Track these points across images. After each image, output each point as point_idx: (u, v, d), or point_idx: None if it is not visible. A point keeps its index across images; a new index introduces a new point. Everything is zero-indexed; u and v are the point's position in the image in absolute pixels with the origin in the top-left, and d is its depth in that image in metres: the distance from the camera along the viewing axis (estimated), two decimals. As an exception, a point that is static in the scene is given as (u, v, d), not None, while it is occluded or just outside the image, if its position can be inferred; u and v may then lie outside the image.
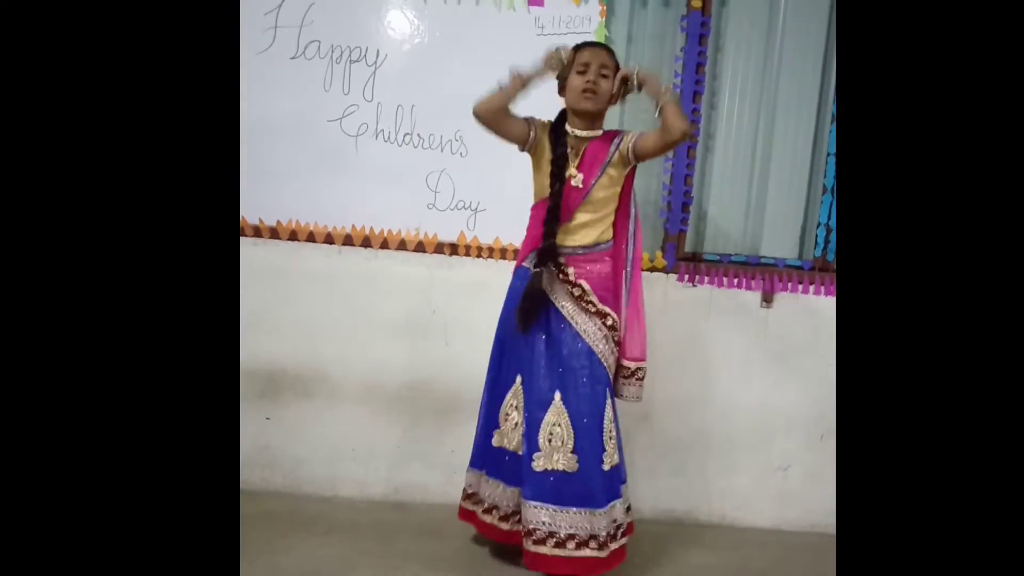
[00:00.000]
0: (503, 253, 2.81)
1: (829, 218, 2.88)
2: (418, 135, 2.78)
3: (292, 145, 2.76)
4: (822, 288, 2.87)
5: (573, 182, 2.21)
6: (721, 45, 2.87)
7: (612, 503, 2.22)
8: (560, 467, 2.17)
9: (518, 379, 2.26)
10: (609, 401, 2.24)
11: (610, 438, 2.23)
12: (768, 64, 2.87)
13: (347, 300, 2.83)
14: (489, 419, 2.34)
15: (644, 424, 2.88)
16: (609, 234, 2.29)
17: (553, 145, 2.22)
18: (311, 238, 2.81)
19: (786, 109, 2.89)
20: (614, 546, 2.21)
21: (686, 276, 2.85)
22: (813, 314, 2.87)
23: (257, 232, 2.79)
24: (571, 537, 2.15)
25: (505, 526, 2.29)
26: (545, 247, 2.19)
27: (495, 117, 2.19)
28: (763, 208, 2.94)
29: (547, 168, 2.22)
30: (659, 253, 2.85)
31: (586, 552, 2.16)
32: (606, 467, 2.20)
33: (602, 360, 2.23)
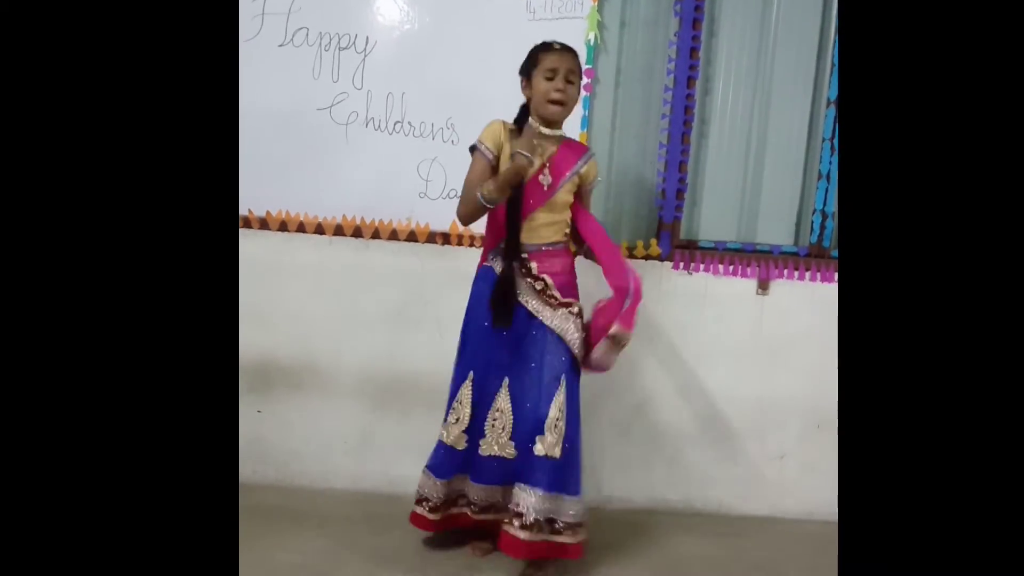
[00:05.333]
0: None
1: (824, 204, 2.86)
2: (409, 123, 2.74)
3: (281, 134, 2.72)
4: (818, 275, 2.86)
5: (541, 179, 2.22)
6: (715, 30, 2.84)
7: (541, 489, 2.15)
8: (504, 453, 2.23)
9: (470, 375, 2.28)
10: (563, 391, 2.19)
11: (552, 429, 2.16)
12: (763, 49, 2.85)
13: (338, 291, 2.81)
14: (445, 415, 2.35)
15: (641, 413, 2.87)
16: (563, 235, 2.33)
17: (515, 138, 2.20)
18: (301, 228, 2.77)
19: (781, 95, 2.87)
20: (556, 538, 2.17)
21: (681, 264, 2.83)
22: (809, 301, 2.85)
23: (247, 223, 2.76)
24: (492, 506, 2.30)
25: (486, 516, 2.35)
26: (510, 243, 2.21)
27: (479, 215, 2.25)
28: (758, 195, 2.92)
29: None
30: (654, 241, 2.83)
31: (508, 528, 2.18)
32: (537, 452, 2.15)
33: (571, 347, 2.22)
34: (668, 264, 2.83)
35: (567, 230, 2.33)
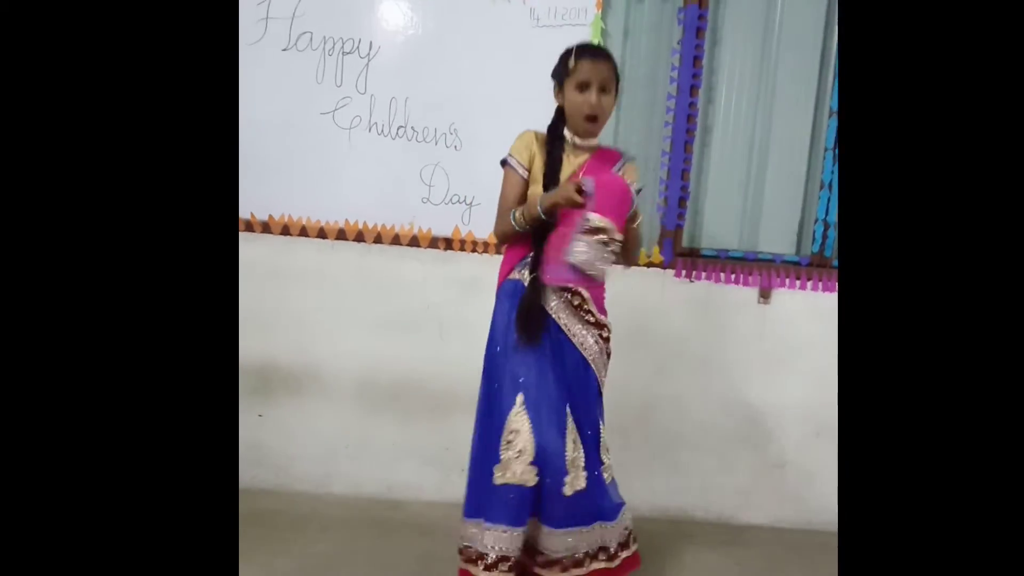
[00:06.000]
0: (498, 248, 2.77)
1: (827, 214, 2.86)
2: (412, 128, 2.75)
3: (284, 138, 2.73)
4: (819, 284, 2.85)
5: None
6: (718, 38, 2.84)
7: (622, 511, 2.12)
8: (580, 486, 1.96)
9: (520, 398, 1.96)
10: (601, 413, 2.12)
11: (606, 451, 2.10)
12: (765, 58, 2.85)
13: (340, 295, 2.81)
14: (488, 454, 1.99)
15: (641, 421, 2.87)
16: None
17: (549, 149, 2.04)
18: (304, 233, 2.78)
19: (783, 103, 2.87)
20: (625, 554, 2.11)
21: (683, 272, 2.83)
22: (810, 310, 2.85)
23: (249, 227, 2.76)
24: (587, 555, 2.03)
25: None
26: (536, 256, 2.02)
27: (516, 237, 2.07)
28: (760, 203, 2.92)
29: (537, 173, 2.04)
30: (656, 249, 2.83)
31: (597, 565, 2.04)
32: (608, 479, 2.09)
33: (596, 373, 2.08)
34: (670, 272, 2.83)
35: None
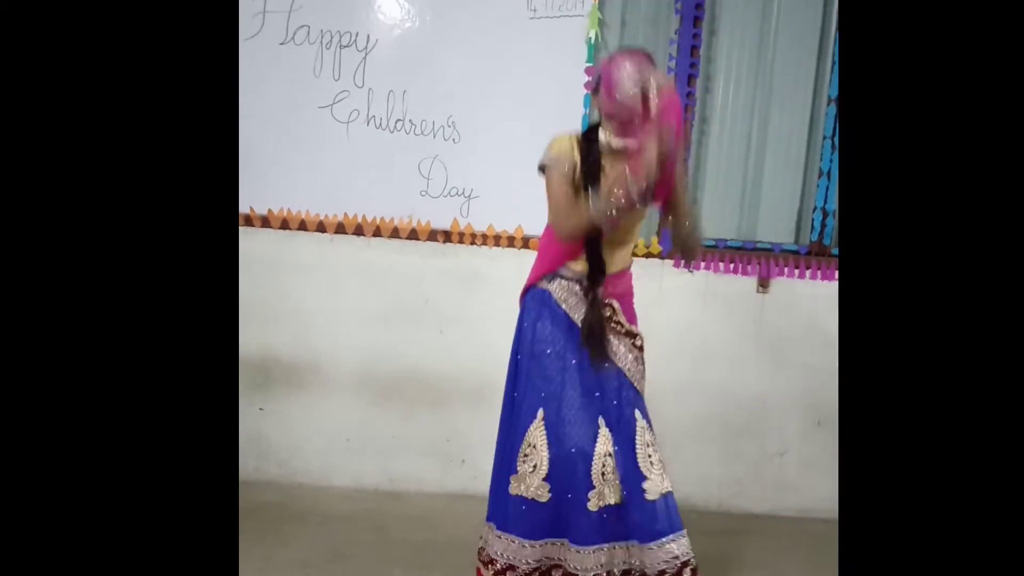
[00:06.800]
0: (497, 240, 2.78)
1: (825, 202, 2.86)
2: (410, 121, 2.74)
3: (282, 132, 2.72)
4: (818, 273, 2.85)
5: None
6: (716, 28, 2.84)
7: (666, 537, 1.96)
8: (610, 501, 1.93)
9: (540, 413, 1.96)
10: (644, 424, 2.01)
11: (650, 464, 1.98)
12: (763, 47, 2.84)
13: (340, 289, 2.81)
14: (505, 462, 2.01)
15: (640, 411, 2.87)
16: (631, 258, 2.09)
17: (584, 154, 1.91)
18: (303, 227, 2.77)
19: (782, 93, 2.86)
20: None
21: (682, 262, 2.83)
22: (809, 299, 2.85)
23: (248, 221, 2.76)
24: (626, 573, 1.97)
25: None
26: (594, 267, 1.94)
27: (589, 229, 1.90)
28: (759, 193, 2.91)
29: (579, 181, 1.91)
30: (655, 239, 2.83)
31: None
32: (650, 496, 1.95)
33: (633, 383, 2.02)
34: (669, 262, 2.84)
35: (631, 253, 2.09)
